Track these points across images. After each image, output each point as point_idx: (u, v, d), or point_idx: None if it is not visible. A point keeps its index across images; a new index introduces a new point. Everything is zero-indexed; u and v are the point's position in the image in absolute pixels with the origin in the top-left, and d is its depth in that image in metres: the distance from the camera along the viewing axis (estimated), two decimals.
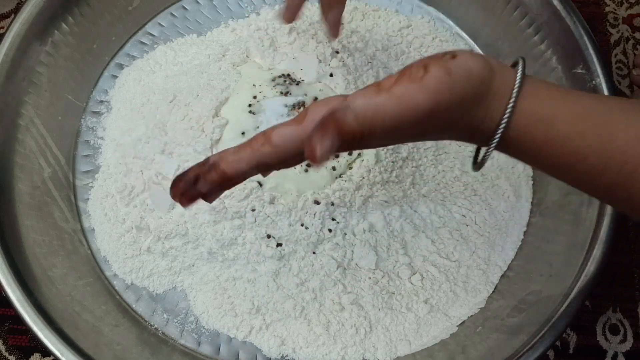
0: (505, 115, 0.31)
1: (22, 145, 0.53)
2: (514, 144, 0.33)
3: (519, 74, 0.32)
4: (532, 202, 0.56)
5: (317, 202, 0.49)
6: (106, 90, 0.60)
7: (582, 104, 0.32)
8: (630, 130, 0.30)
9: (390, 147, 0.51)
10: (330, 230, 0.49)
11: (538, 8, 0.56)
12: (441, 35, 0.61)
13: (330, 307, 0.50)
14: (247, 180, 0.49)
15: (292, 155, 0.32)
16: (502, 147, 0.33)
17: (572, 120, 0.31)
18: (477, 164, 0.36)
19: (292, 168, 0.49)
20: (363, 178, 0.50)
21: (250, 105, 0.52)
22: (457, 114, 0.32)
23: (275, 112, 0.51)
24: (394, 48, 0.59)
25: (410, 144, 0.52)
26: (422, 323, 0.50)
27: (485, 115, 0.32)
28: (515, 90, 0.31)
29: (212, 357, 0.50)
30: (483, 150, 0.35)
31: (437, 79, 0.30)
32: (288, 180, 0.49)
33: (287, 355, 0.50)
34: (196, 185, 0.33)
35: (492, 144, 0.33)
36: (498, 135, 0.32)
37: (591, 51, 0.53)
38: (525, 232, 0.55)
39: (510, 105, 0.31)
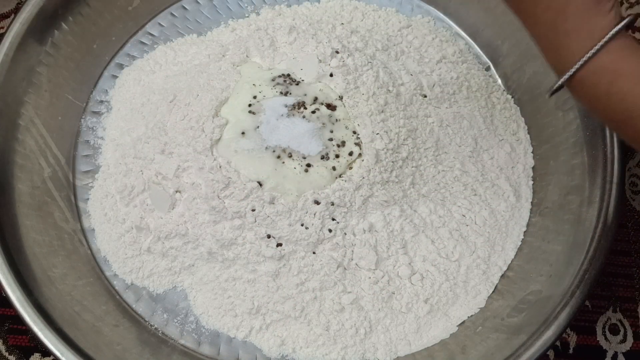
0: (586, 56, 0.34)
1: (22, 145, 0.53)
2: (579, 86, 0.35)
3: (619, 26, 0.34)
4: (532, 202, 0.56)
5: (317, 202, 0.49)
6: (106, 90, 0.60)
7: None
8: None
9: (390, 147, 0.51)
10: (330, 230, 0.49)
11: None
12: (441, 35, 0.61)
13: (330, 307, 0.50)
14: (247, 180, 0.49)
15: None
16: (570, 84, 0.36)
17: (635, 81, 0.33)
18: (551, 92, 0.38)
19: (292, 168, 0.49)
20: (363, 178, 0.50)
21: (250, 105, 0.52)
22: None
23: (275, 112, 0.51)
24: (394, 48, 0.59)
25: (411, 145, 0.52)
26: (422, 323, 0.50)
27: (576, 30, 0.34)
28: (607, 37, 0.34)
29: (212, 357, 0.50)
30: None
31: None
32: (288, 180, 0.49)
33: (287, 355, 0.50)
34: None
35: (564, 78, 0.35)
36: (570, 73, 0.35)
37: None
38: (525, 232, 0.55)
39: (596, 48, 0.34)
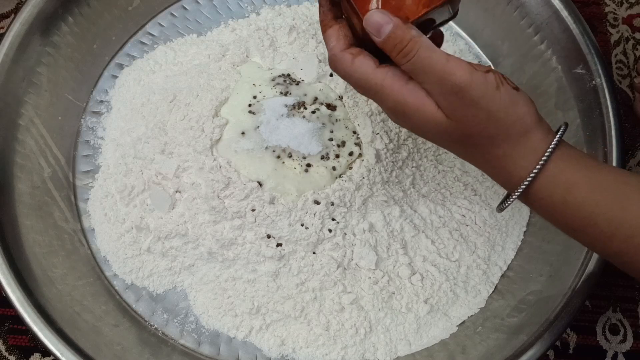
0: (534, 171, 0.34)
1: (22, 145, 0.53)
2: (533, 199, 0.36)
3: (557, 137, 0.35)
4: None
5: (317, 202, 0.49)
6: (106, 90, 0.60)
7: (603, 175, 0.35)
8: None
9: (390, 147, 0.51)
10: (330, 230, 0.49)
11: (538, 8, 0.56)
12: None
13: (330, 307, 0.50)
14: (247, 180, 0.49)
15: None
16: (524, 198, 0.36)
17: (590, 189, 0.34)
18: (500, 208, 0.39)
19: (292, 168, 0.49)
20: (363, 178, 0.50)
21: (250, 105, 0.52)
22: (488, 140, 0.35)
23: (275, 112, 0.51)
24: None
25: (411, 145, 0.52)
26: (422, 323, 0.50)
27: (514, 157, 0.35)
28: (548, 151, 0.34)
29: (212, 357, 0.50)
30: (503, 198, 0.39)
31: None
32: (288, 180, 0.49)
33: (287, 355, 0.50)
34: None
35: (516, 192, 0.36)
36: (522, 187, 0.35)
37: (591, 51, 0.53)
38: (525, 232, 0.55)
39: (540, 164, 0.34)
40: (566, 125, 0.37)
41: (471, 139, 0.35)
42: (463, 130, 0.35)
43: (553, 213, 0.36)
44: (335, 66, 0.37)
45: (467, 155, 0.37)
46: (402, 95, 0.35)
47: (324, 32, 0.38)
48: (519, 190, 0.36)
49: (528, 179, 0.35)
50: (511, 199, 0.37)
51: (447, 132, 0.35)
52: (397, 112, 0.36)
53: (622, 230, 0.34)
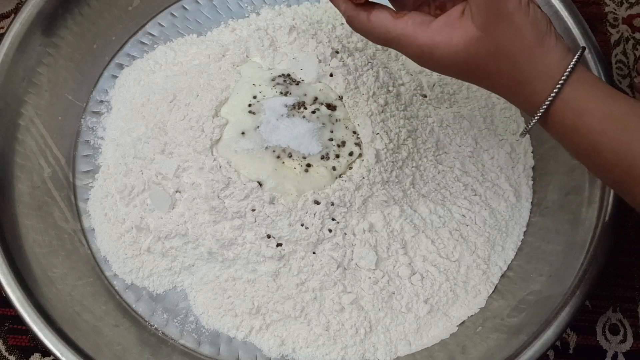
0: (551, 96, 0.36)
1: (22, 145, 0.53)
2: (548, 122, 0.37)
3: (573, 61, 0.35)
4: (532, 202, 0.56)
5: (317, 202, 0.49)
6: (106, 90, 0.60)
7: (615, 106, 0.35)
8: None
9: (390, 147, 0.51)
10: (330, 230, 0.49)
11: None
12: None
13: (330, 307, 0.50)
14: (247, 180, 0.49)
15: None
16: (542, 123, 0.38)
17: (600, 117, 0.35)
18: (523, 133, 0.41)
19: (292, 168, 0.49)
20: (363, 178, 0.50)
21: (250, 105, 0.52)
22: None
23: (275, 112, 0.51)
24: None
25: (411, 145, 0.52)
26: (422, 323, 0.50)
27: (534, 77, 0.36)
28: (565, 75, 0.35)
29: (212, 357, 0.50)
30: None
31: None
32: (288, 180, 0.49)
33: (287, 355, 0.50)
34: None
35: (535, 117, 0.37)
36: (540, 112, 0.36)
37: (591, 51, 0.53)
38: (525, 232, 0.55)
39: (555, 90, 0.35)
40: (583, 48, 0.37)
41: (497, 62, 0.36)
42: (491, 47, 0.35)
43: (563, 137, 0.37)
44: (354, 26, 0.39)
45: (495, 79, 0.38)
46: (429, 39, 0.36)
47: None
48: (538, 114, 0.36)
49: (546, 103, 0.36)
50: (531, 124, 0.38)
51: (477, 51, 0.36)
52: (423, 56, 0.37)
53: (625, 161, 0.35)
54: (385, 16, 0.37)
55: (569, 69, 0.35)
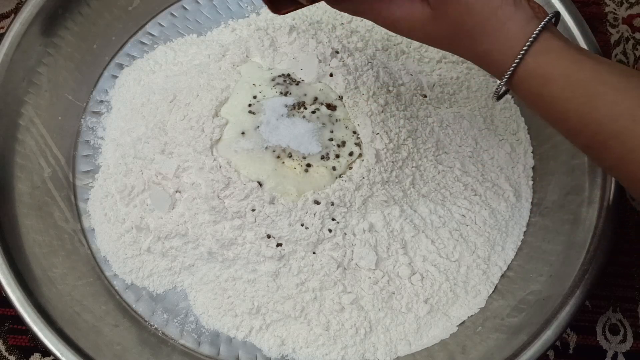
0: (512, 66, 0.36)
1: (22, 145, 0.53)
2: (515, 90, 0.38)
3: (535, 32, 0.36)
4: (532, 202, 0.56)
5: (317, 202, 0.49)
6: (106, 90, 0.60)
7: (581, 72, 0.35)
8: (613, 107, 0.34)
9: (390, 147, 0.51)
10: (330, 230, 0.49)
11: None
12: None
13: (330, 307, 0.50)
14: (247, 180, 0.49)
15: None
16: (510, 87, 0.38)
17: (564, 85, 0.35)
18: (495, 96, 0.41)
19: (292, 168, 0.49)
20: (363, 178, 0.50)
21: (250, 105, 0.52)
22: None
23: (275, 112, 0.51)
24: (394, 48, 0.59)
25: (411, 145, 0.52)
26: (422, 323, 0.50)
27: (494, 48, 0.36)
28: (525, 46, 0.35)
29: (212, 357, 0.50)
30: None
31: None
32: (288, 180, 0.49)
33: (287, 355, 0.50)
34: None
35: (500, 86, 0.38)
36: (504, 80, 0.37)
37: (591, 51, 0.52)
38: (525, 232, 0.55)
39: (517, 58, 0.36)
40: (555, 14, 0.37)
41: (455, 36, 0.37)
42: (446, 25, 0.37)
43: (531, 104, 0.38)
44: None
45: (459, 51, 0.39)
46: (391, 14, 0.38)
47: None
48: (502, 82, 0.37)
49: (507, 74, 0.36)
50: (497, 88, 0.39)
51: (433, 29, 0.37)
52: (390, 28, 0.39)
53: (590, 126, 0.35)
54: None
55: (529, 40, 0.35)
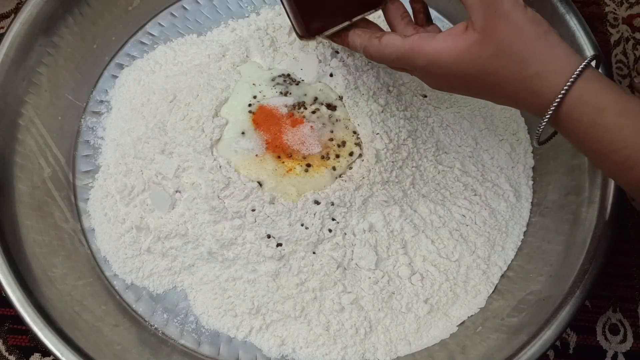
0: (565, 87, 0.35)
1: (22, 145, 0.53)
2: (563, 121, 0.36)
3: (589, 57, 0.35)
4: (532, 202, 0.56)
5: (317, 202, 0.49)
6: (106, 90, 0.60)
7: (633, 102, 0.35)
8: None
9: (391, 147, 0.51)
10: (330, 230, 0.49)
11: (538, 8, 0.56)
12: None
13: (330, 307, 0.50)
14: (247, 180, 0.49)
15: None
16: (554, 122, 0.37)
17: (618, 113, 0.34)
18: (537, 139, 0.40)
19: (292, 168, 0.49)
20: (363, 178, 0.50)
21: (250, 105, 0.52)
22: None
23: None
24: None
25: (411, 145, 0.52)
26: (422, 323, 0.50)
27: (545, 69, 0.36)
28: (577, 71, 0.35)
29: (212, 357, 0.50)
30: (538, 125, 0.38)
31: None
32: (288, 180, 0.49)
33: (287, 355, 0.50)
34: None
35: (548, 113, 0.36)
36: (553, 106, 0.36)
37: (591, 51, 0.52)
38: (525, 232, 0.55)
39: (568, 83, 0.35)
40: (597, 56, 0.37)
41: (503, 59, 0.36)
42: (493, 47, 0.36)
43: (582, 136, 0.36)
44: (369, 52, 0.42)
45: (499, 81, 0.37)
46: (433, 48, 0.38)
47: (345, 44, 0.45)
48: (550, 111, 0.36)
49: (558, 97, 0.35)
50: (543, 122, 0.37)
51: (479, 53, 0.36)
52: (430, 67, 0.39)
53: None
54: (395, 37, 0.41)
55: (584, 63, 0.35)
